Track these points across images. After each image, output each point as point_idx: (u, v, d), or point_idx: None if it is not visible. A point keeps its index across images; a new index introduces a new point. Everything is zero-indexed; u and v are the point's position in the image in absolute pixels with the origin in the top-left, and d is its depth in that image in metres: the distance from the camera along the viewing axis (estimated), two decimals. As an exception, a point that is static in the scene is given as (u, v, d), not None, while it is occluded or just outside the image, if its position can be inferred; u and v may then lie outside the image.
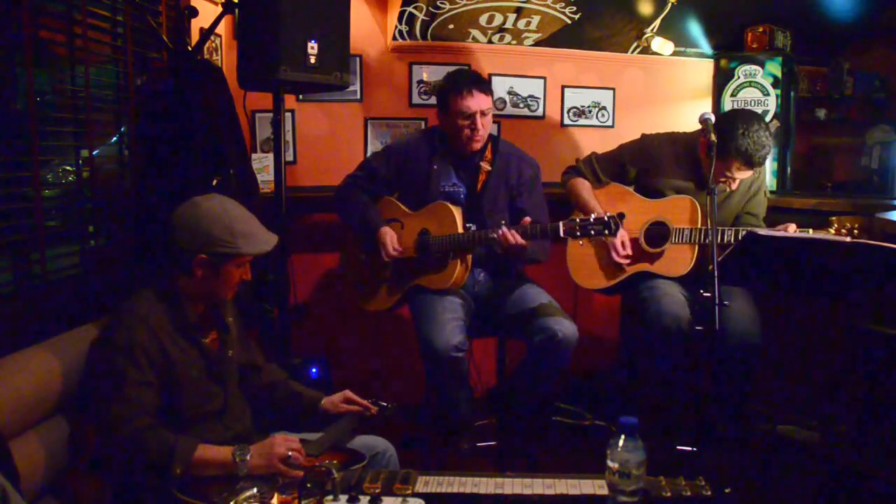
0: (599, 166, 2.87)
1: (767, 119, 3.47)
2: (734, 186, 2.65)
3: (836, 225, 2.34)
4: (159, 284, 1.78)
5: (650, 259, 2.70)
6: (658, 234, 2.71)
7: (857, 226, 2.30)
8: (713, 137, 2.43)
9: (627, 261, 2.70)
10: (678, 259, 2.65)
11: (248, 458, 1.60)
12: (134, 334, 1.65)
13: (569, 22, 3.42)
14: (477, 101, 2.56)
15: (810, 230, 2.40)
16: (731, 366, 2.57)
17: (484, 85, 2.61)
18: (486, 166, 2.70)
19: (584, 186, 2.83)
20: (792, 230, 2.44)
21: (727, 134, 2.50)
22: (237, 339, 1.94)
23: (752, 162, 2.52)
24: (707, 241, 2.52)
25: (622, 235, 2.67)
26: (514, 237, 2.40)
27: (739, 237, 2.47)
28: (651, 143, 2.81)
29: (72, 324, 1.82)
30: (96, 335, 1.73)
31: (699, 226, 2.62)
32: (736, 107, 3.52)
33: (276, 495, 1.43)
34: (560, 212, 2.82)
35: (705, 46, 3.70)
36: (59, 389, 1.64)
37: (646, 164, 2.79)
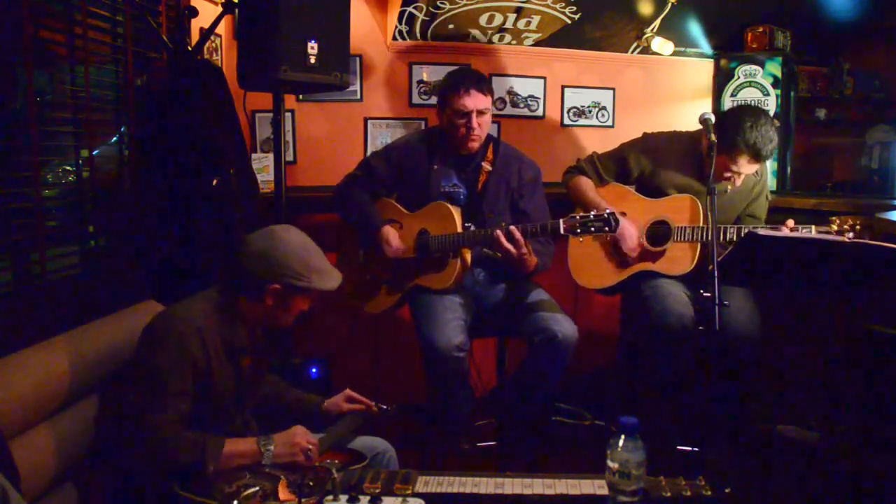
0: (602, 165, 2.86)
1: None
2: (738, 183, 2.64)
3: (837, 223, 2.35)
4: (220, 299, 1.79)
5: (652, 258, 2.70)
6: (659, 233, 2.71)
7: (858, 223, 2.30)
8: (713, 137, 2.43)
9: (636, 252, 2.68)
10: (680, 258, 2.65)
11: (272, 447, 1.64)
12: (187, 343, 1.66)
13: (569, 22, 3.42)
14: (474, 101, 2.55)
15: (813, 227, 2.40)
16: (730, 366, 2.57)
17: (483, 84, 2.59)
18: (487, 166, 2.70)
19: (587, 184, 2.83)
20: (790, 224, 2.44)
21: (734, 127, 2.50)
22: (266, 372, 1.98)
23: (760, 155, 2.51)
24: (708, 239, 2.52)
25: (628, 227, 2.65)
26: (513, 233, 2.39)
27: (742, 234, 2.47)
28: (654, 142, 2.81)
29: (72, 324, 1.82)
30: (150, 331, 1.72)
31: (700, 224, 2.62)
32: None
33: (279, 490, 1.43)
34: (562, 212, 2.82)
35: (705, 46, 3.70)
36: (60, 389, 1.64)
37: (649, 162, 2.78)
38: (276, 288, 1.74)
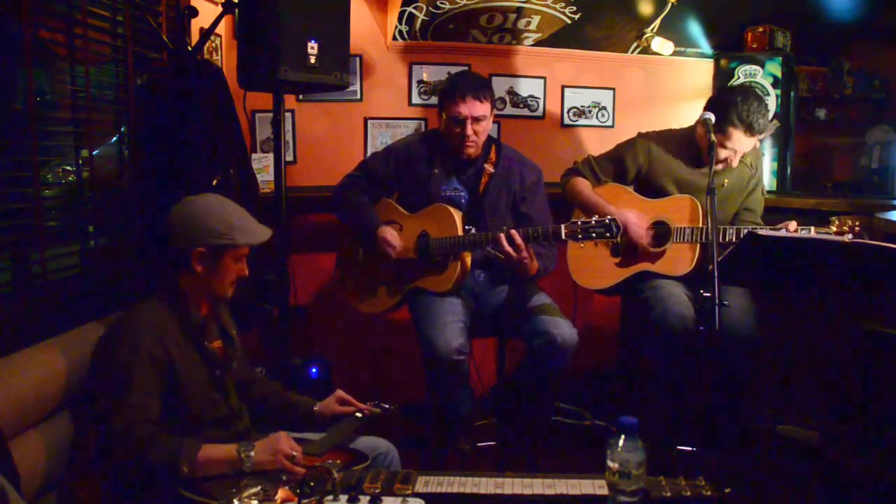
0: (598, 167, 2.86)
1: (768, 119, 3.48)
2: (734, 163, 2.64)
3: (836, 223, 2.35)
4: (164, 291, 1.79)
5: (652, 259, 2.70)
6: (659, 233, 2.71)
7: (857, 223, 2.30)
8: (713, 138, 2.43)
9: (647, 239, 2.66)
10: (680, 258, 2.65)
11: (252, 453, 1.62)
12: (140, 339, 1.65)
13: (569, 22, 3.42)
14: (469, 108, 2.53)
15: (812, 228, 2.41)
16: (730, 366, 2.57)
17: (481, 91, 2.56)
18: (489, 168, 2.69)
19: (584, 186, 2.82)
20: (792, 227, 2.44)
21: (726, 104, 2.54)
22: (240, 354, 1.96)
23: (752, 128, 2.53)
24: (708, 240, 2.53)
25: (630, 216, 2.63)
26: (514, 237, 2.39)
27: (741, 235, 2.47)
28: (649, 139, 2.82)
29: (72, 324, 1.82)
30: (101, 339, 1.73)
31: (700, 224, 2.62)
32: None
33: (279, 491, 1.43)
34: (562, 213, 2.82)
35: (705, 46, 3.71)
36: (59, 389, 1.64)
37: (646, 160, 2.79)
38: (201, 251, 1.74)
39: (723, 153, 2.59)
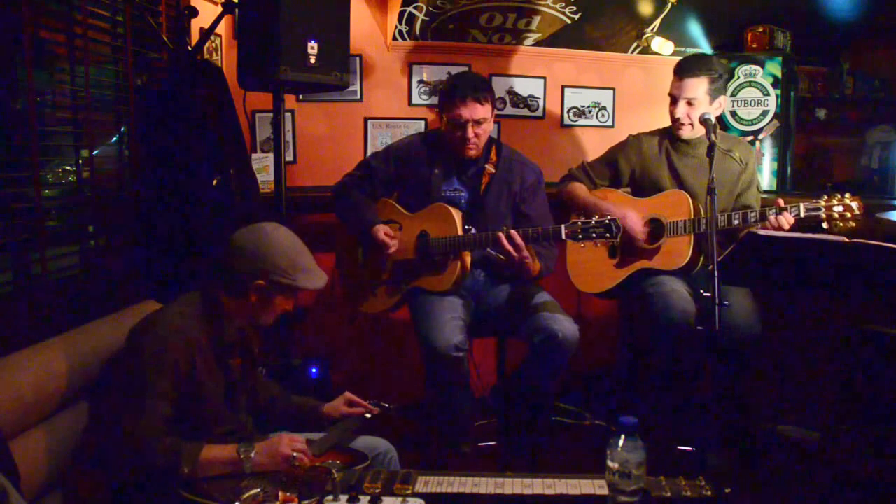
0: (593, 171, 2.89)
1: (767, 119, 3.49)
2: (689, 119, 2.67)
3: (825, 199, 2.36)
4: (203, 299, 1.78)
5: (648, 256, 2.70)
6: (653, 230, 2.71)
7: (849, 196, 2.33)
8: (714, 138, 2.43)
9: (645, 235, 2.67)
10: (676, 251, 2.65)
11: (252, 455, 1.62)
12: (168, 347, 1.65)
13: (569, 22, 3.42)
14: (469, 111, 2.53)
15: (801, 205, 2.41)
16: (730, 366, 2.57)
17: (481, 93, 2.55)
18: (490, 168, 2.69)
19: (581, 189, 2.84)
20: (780, 203, 2.44)
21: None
22: (258, 373, 1.98)
23: (681, 68, 2.66)
24: (702, 230, 2.53)
25: (629, 215, 2.65)
26: (514, 236, 2.39)
27: (734, 222, 2.49)
28: (640, 139, 2.84)
29: (72, 324, 1.82)
30: (132, 335, 1.73)
31: (692, 217, 2.62)
32: (736, 107, 3.55)
33: (279, 493, 1.43)
34: (562, 214, 2.82)
35: (705, 46, 3.70)
36: (59, 389, 1.64)
37: (638, 158, 2.80)
38: (261, 284, 1.73)
39: (674, 111, 2.68)
